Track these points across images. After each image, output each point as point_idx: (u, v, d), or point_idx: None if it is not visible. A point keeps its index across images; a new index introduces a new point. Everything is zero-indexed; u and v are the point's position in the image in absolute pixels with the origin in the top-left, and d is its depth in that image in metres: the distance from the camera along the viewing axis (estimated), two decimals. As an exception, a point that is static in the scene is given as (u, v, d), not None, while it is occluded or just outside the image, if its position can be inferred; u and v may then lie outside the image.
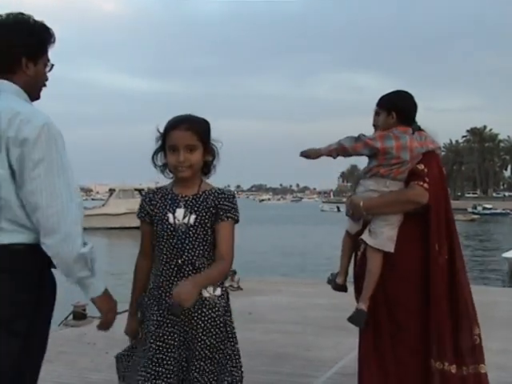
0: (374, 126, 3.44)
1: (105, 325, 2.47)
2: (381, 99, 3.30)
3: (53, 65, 2.42)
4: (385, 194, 3.19)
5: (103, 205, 44.60)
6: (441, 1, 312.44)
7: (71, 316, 6.29)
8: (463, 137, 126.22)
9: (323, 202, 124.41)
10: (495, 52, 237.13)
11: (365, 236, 3.24)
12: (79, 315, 6.25)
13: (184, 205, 2.53)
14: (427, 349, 3.15)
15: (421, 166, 3.18)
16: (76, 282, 2.28)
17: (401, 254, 3.18)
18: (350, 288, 3.44)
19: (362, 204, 3.19)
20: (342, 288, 3.48)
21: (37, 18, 2.37)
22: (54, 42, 2.42)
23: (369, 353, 3.24)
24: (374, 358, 3.20)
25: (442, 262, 3.16)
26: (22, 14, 2.36)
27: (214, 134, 2.59)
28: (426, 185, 3.13)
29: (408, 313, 3.19)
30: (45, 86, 2.45)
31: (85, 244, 2.23)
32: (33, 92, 2.39)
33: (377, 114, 3.31)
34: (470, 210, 76.48)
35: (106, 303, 2.38)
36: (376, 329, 3.20)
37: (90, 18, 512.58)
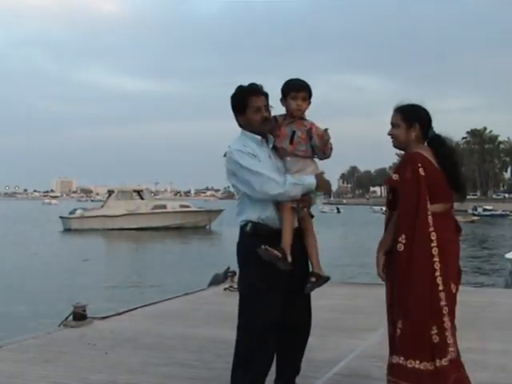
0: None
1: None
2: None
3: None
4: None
5: (102, 206, 44.41)
6: (441, 1, 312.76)
7: (71, 317, 6.27)
8: (463, 138, 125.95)
9: (323, 204, 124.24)
10: (495, 53, 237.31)
11: None
12: (79, 316, 6.23)
13: None
14: None
15: (396, 177, 3.25)
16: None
17: None
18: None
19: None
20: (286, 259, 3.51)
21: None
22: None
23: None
24: None
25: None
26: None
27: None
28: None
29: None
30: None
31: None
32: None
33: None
34: (469, 211, 76.33)
35: None
36: None
37: (91, 19, 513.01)
